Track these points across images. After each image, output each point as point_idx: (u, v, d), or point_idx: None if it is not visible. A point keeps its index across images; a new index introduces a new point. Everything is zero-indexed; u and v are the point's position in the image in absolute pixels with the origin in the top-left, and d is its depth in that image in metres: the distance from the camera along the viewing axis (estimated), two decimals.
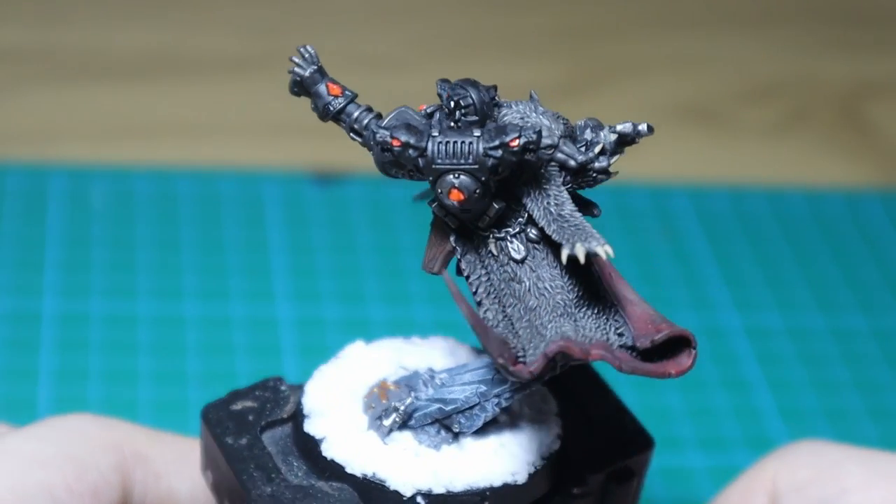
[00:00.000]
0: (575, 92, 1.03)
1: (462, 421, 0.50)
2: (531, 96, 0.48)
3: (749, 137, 1.03)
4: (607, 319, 0.47)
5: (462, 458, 0.49)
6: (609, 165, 0.47)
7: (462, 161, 0.45)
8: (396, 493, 0.49)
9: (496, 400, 0.49)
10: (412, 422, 0.50)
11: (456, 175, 0.45)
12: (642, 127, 0.47)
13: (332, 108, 0.48)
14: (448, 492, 0.49)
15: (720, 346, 0.84)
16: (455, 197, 0.45)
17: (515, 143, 0.44)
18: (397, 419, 0.50)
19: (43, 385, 0.76)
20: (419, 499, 0.49)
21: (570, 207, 0.46)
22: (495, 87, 0.47)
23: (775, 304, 0.88)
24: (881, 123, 1.05)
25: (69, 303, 0.81)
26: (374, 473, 0.49)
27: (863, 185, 0.99)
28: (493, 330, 0.46)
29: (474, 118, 0.46)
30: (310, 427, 0.51)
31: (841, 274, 0.91)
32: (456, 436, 0.50)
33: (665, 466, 0.76)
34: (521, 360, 0.46)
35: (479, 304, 0.48)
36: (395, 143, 0.46)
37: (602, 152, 0.47)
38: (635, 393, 0.81)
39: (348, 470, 0.49)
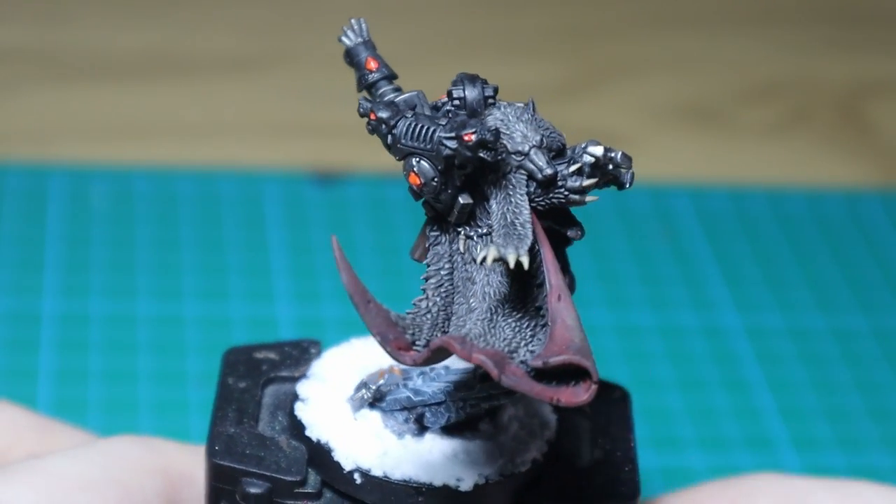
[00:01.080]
0: (575, 92, 1.03)
1: (429, 416, 0.50)
2: (528, 103, 0.47)
3: (749, 137, 1.03)
4: (532, 336, 0.47)
5: (416, 450, 0.50)
6: (582, 186, 0.46)
7: (422, 145, 0.45)
8: (338, 463, 0.49)
9: (461, 403, 0.50)
10: (384, 404, 0.50)
11: (418, 159, 0.46)
12: (614, 154, 0.46)
13: (364, 81, 0.48)
14: (385, 476, 0.49)
15: (720, 346, 0.84)
16: (412, 180, 0.46)
17: (469, 137, 0.44)
18: (366, 396, 0.50)
19: (43, 385, 0.76)
20: (356, 475, 0.49)
21: (524, 217, 0.46)
22: (496, 88, 0.47)
23: (775, 304, 0.88)
24: (881, 123, 1.05)
25: (69, 303, 0.81)
26: (326, 441, 0.50)
27: (863, 185, 0.99)
28: (378, 307, 0.46)
29: (462, 112, 0.46)
30: (301, 388, 0.52)
31: (841, 274, 0.91)
32: (423, 429, 0.50)
33: (665, 466, 0.76)
34: (416, 347, 0.46)
35: (424, 292, 0.48)
36: (372, 116, 0.46)
37: (578, 172, 0.46)
38: (637, 393, 0.81)
39: (306, 432, 0.50)
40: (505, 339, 0.46)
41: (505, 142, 0.46)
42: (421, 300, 0.48)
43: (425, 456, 0.50)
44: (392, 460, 0.49)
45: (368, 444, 0.50)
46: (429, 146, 0.45)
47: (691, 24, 1.12)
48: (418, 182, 0.46)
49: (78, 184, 0.90)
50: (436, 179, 0.46)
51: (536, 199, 0.46)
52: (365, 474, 0.49)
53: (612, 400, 0.55)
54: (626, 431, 0.53)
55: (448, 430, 0.50)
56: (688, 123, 1.03)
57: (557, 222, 0.48)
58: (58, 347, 0.78)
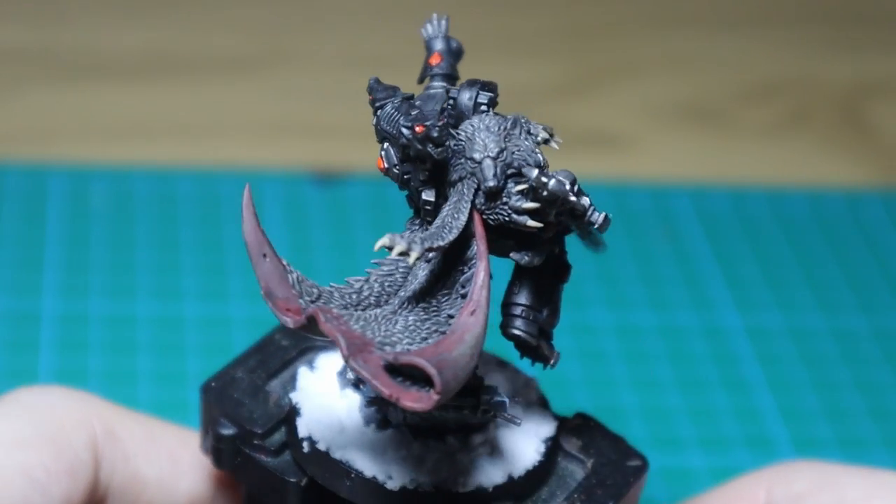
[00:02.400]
0: (575, 92, 1.03)
1: (391, 411, 0.50)
2: (513, 116, 0.47)
3: (749, 137, 1.03)
4: (424, 339, 0.46)
5: (371, 439, 0.50)
6: (522, 208, 0.45)
7: (392, 131, 0.46)
8: (296, 429, 0.50)
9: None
10: (364, 388, 0.51)
11: (388, 145, 0.47)
12: (547, 180, 0.45)
13: (423, 74, 0.49)
14: (326, 451, 0.50)
15: (720, 346, 0.84)
16: (377, 163, 0.47)
17: (419, 129, 0.45)
18: (349, 376, 0.51)
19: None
20: (304, 444, 0.50)
21: (458, 223, 0.46)
22: (491, 98, 0.47)
23: (776, 305, 0.88)
24: (881, 123, 1.05)
25: (69, 303, 0.81)
26: (298, 405, 0.51)
27: (863, 185, 0.99)
28: (275, 263, 0.46)
29: (452, 113, 0.47)
30: (320, 356, 0.53)
31: (841, 274, 0.91)
32: (387, 423, 0.50)
33: (665, 466, 0.76)
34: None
35: (367, 273, 0.49)
36: (370, 97, 0.47)
37: (524, 192, 0.46)
38: (636, 393, 0.81)
39: (290, 393, 0.52)
40: (387, 331, 0.46)
41: (465, 147, 0.46)
42: (357, 280, 0.48)
43: (375, 447, 0.50)
44: (343, 440, 0.50)
45: (331, 420, 0.50)
46: (395, 131, 0.46)
47: (691, 24, 1.12)
48: (381, 166, 0.47)
49: (78, 184, 0.90)
50: (396, 167, 0.47)
51: (486, 211, 0.46)
52: (312, 444, 0.50)
53: (624, 465, 0.53)
54: (613, 499, 0.51)
55: (415, 433, 0.50)
56: (688, 123, 1.03)
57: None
58: (58, 347, 0.78)
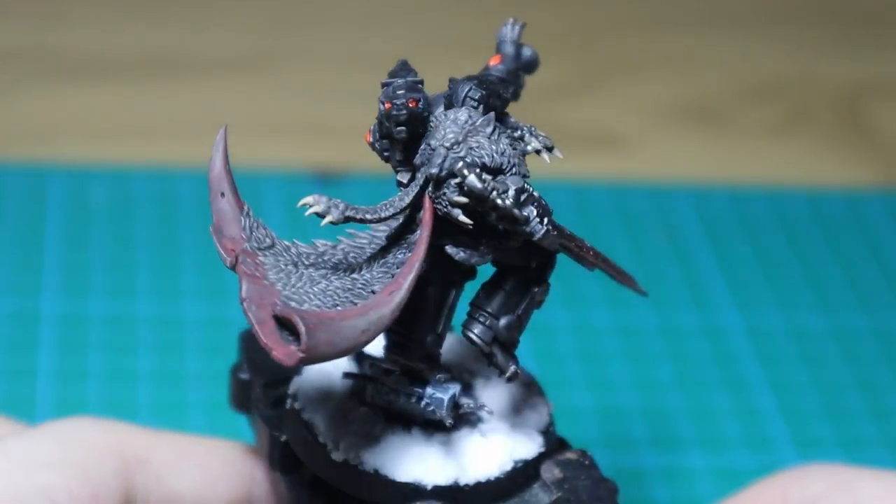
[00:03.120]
0: (575, 92, 1.03)
1: (368, 387, 0.51)
2: (486, 116, 0.47)
3: (749, 137, 1.03)
4: (334, 304, 0.46)
5: (341, 408, 0.51)
6: (451, 200, 0.45)
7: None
8: (290, 383, 0.52)
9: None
10: (361, 362, 0.52)
11: (378, 120, 0.47)
12: (470, 179, 0.45)
13: (480, 72, 0.50)
14: (299, 411, 0.51)
15: (720, 346, 0.84)
16: (366, 136, 0.48)
17: (387, 106, 0.46)
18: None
19: (42, 385, 0.76)
20: (288, 400, 0.51)
21: (400, 204, 0.47)
22: (483, 95, 0.47)
23: (776, 305, 0.88)
24: (881, 123, 1.05)
25: (69, 303, 0.81)
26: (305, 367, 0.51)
27: (863, 185, 0.99)
28: (233, 203, 0.48)
29: (428, 98, 0.47)
30: None
31: (842, 274, 0.91)
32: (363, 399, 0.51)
33: (665, 466, 0.76)
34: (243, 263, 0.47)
35: (338, 241, 0.51)
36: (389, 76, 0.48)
37: (460, 186, 0.46)
38: (636, 393, 0.81)
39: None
40: (302, 289, 0.46)
41: (430, 133, 0.47)
42: (324, 244, 0.49)
43: (343, 418, 0.50)
44: (318, 405, 0.50)
45: (321, 384, 0.51)
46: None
47: (691, 24, 1.12)
48: (367, 139, 0.48)
49: (78, 184, 0.90)
50: (377, 144, 0.48)
51: (434, 200, 0.47)
52: (293, 402, 0.51)
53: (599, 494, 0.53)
54: None
55: (387, 416, 0.50)
56: (688, 123, 1.03)
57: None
58: (58, 347, 0.78)
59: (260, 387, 0.53)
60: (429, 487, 0.49)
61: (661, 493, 0.75)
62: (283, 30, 1.06)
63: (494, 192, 0.45)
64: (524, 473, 0.51)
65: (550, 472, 0.51)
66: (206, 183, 0.48)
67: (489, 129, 0.47)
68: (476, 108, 0.47)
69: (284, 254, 0.49)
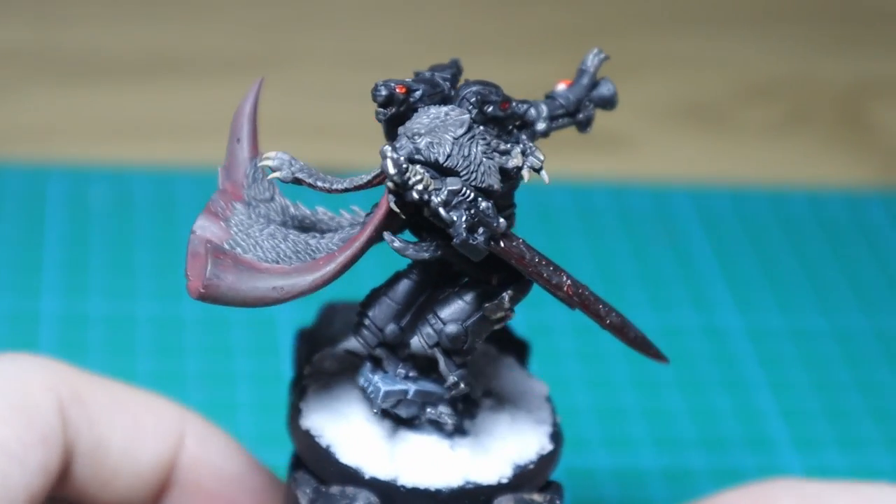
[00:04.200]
0: None
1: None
2: (464, 117, 0.47)
3: (749, 137, 1.03)
4: (277, 258, 0.47)
5: (344, 397, 0.51)
6: (387, 184, 0.46)
7: None
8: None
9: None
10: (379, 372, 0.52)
11: None
12: (386, 158, 0.45)
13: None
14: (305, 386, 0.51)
15: (720, 346, 0.84)
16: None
17: (376, 90, 0.46)
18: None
19: None
20: (308, 368, 0.52)
21: (359, 180, 0.47)
22: (484, 96, 0.47)
23: (776, 305, 0.88)
24: (881, 123, 1.05)
25: (68, 303, 0.81)
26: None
27: (863, 185, 0.99)
28: (245, 151, 0.50)
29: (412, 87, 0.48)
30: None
31: (842, 274, 0.91)
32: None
33: (665, 466, 0.76)
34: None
35: (339, 212, 0.51)
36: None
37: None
38: (636, 393, 0.81)
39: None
40: (251, 237, 0.48)
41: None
42: (325, 212, 0.50)
43: (331, 391, 0.51)
44: (326, 374, 0.51)
45: (341, 358, 0.52)
46: None
47: (691, 24, 1.12)
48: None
49: (77, 184, 0.90)
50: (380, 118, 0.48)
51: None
52: (309, 367, 0.52)
53: None
54: None
55: (394, 418, 0.51)
56: (688, 123, 1.03)
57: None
58: (57, 347, 0.78)
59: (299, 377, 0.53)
60: (366, 477, 0.49)
61: (661, 493, 0.75)
62: (283, 30, 1.06)
63: (423, 186, 0.44)
64: (472, 498, 0.50)
65: (506, 501, 0.50)
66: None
67: (460, 131, 0.46)
68: (470, 110, 0.47)
69: (268, 208, 0.49)
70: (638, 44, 1.09)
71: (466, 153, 0.46)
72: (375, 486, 0.49)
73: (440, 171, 0.45)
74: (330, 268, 0.46)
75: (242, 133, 0.48)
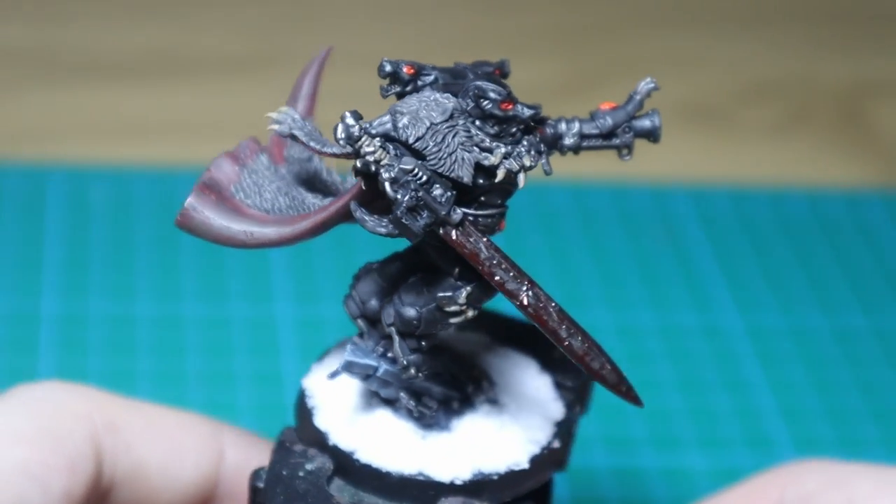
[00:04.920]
0: (575, 92, 1.03)
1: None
2: (454, 115, 0.47)
3: (749, 137, 1.03)
4: (272, 207, 0.49)
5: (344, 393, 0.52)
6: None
7: None
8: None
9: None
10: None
11: None
12: (342, 124, 0.47)
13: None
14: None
15: (720, 346, 0.84)
16: None
17: (381, 65, 0.48)
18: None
19: None
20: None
21: (347, 150, 0.48)
22: (482, 91, 0.48)
23: (776, 305, 0.88)
24: (881, 123, 1.05)
25: (68, 303, 0.81)
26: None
27: (863, 185, 0.99)
28: (307, 114, 0.51)
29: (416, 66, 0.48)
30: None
31: (842, 274, 0.91)
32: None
33: (665, 466, 0.76)
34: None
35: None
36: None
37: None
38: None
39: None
40: (260, 187, 0.49)
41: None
42: (341, 179, 0.51)
43: (343, 399, 0.51)
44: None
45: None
46: None
47: (691, 24, 1.12)
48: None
49: (78, 184, 0.90)
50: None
51: None
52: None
53: None
54: None
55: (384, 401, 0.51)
56: (688, 123, 1.03)
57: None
58: (58, 347, 0.78)
59: None
60: (329, 443, 0.50)
61: (661, 493, 0.75)
62: (283, 30, 1.06)
63: (373, 158, 0.46)
64: (420, 489, 0.50)
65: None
66: (206, 238, 0.49)
67: (440, 117, 0.46)
68: (468, 103, 0.47)
69: (301, 168, 0.50)
70: (638, 44, 1.09)
71: (440, 139, 0.46)
72: (335, 453, 0.50)
73: (411, 151, 0.46)
74: (301, 225, 0.47)
75: (300, 93, 0.50)
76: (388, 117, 0.46)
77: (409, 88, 0.47)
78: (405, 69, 0.47)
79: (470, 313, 0.49)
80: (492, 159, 0.46)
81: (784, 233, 0.93)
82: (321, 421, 0.51)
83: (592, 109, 0.50)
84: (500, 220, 0.48)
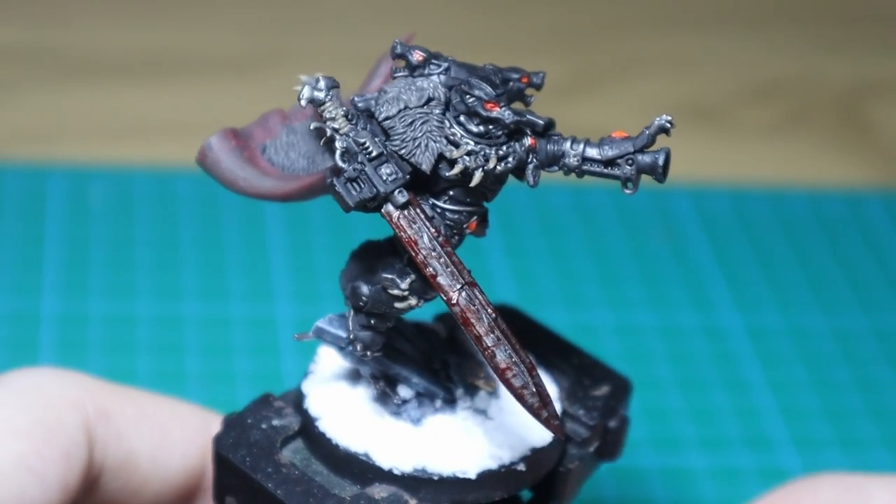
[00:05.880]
0: (575, 92, 1.03)
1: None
2: (423, 98, 0.48)
3: (750, 137, 1.03)
4: (297, 160, 0.50)
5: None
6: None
7: None
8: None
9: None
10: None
11: None
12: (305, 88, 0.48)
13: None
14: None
15: (720, 346, 0.84)
16: None
17: (392, 45, 0.49)
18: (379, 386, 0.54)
19: None
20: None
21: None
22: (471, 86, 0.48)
23: (776, 305, 0.88)
24: (881, 123, 1.05)
25: (68, 303, 0.81)
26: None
27: (863, 185, 0.99)
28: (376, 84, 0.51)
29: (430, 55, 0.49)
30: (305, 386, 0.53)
31: (841, 274, 0.91)
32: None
33: (665, 466, 0.76)
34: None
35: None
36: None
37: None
38: (637, 393, 0.81)
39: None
40: (288, 146, 0.51)
41: None
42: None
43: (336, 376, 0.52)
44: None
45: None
46: None
47: (691, 24, 1.12)
48: None
49: (78, 184, 0.90)
50: None
51: None
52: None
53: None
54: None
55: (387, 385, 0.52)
56: (688, 123, 1.03)
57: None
58: (58, 347, 0.78)
59: None
60: (303, 405, 0.52)
61: (661, 493, 0.75)
62: (283, 30, 1.07)
63: (336, 126, 0.47)
64: (361, 468, 0.51)
65: (377, 490, 0.50)
66: (211, 180, 0.50)
67: (414, 102, 0.47)
68: (453, 95, 0.48)
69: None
70: (638, 44, 1.09)
71: (408, 123, 0.47)
72: (305, 416, 0.52)
73: (382, 130, 0.47)
74: (291, 184, 0.49)
75: (377, 71, 0.51)
76: (369, 95, 0.48)
77: (415, 73, 0.48)
78: (415, 54, 0.48)
79: (413, 301, 0.49)
80: (454, 153, 0.47)
81: (784, 233, 0.94)
82: (307, 385, 0.52)
83: (604, 136, 0.49)
84: (471, 220, 0.48)
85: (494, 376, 0.52)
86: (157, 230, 0.87)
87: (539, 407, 0.47)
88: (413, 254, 0.47)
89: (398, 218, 0.47)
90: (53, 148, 0.93)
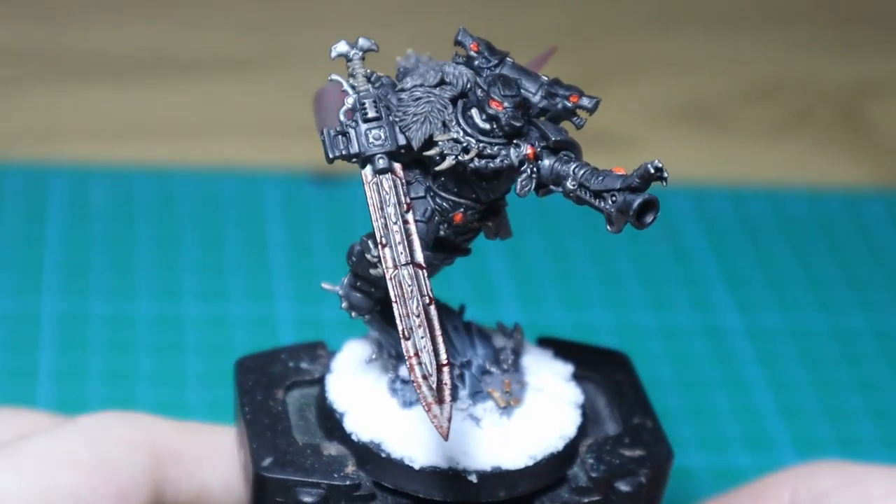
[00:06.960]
0: None
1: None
2: (437, 80, 0.49)
3: (749, 137, 1.03)
4: (386, 108, 0.51)
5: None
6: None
7: None
8: (389, 457, 0.51)
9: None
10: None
11: None
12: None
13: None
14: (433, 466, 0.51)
15: (720, 346, 0.84)
16: None
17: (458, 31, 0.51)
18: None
19: (42, 385, 0.76)
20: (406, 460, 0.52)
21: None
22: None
23: (776, 305, 0.88)
24: (881, 123, 1.05)
25: (69, 303, 0.81)
26: (374, 440, 0.53)
27: (863, 185, 0.99)
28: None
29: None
30: (330, 386, 0.54)
31: (841, 274, 0.91)
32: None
33: None
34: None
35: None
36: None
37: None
38: None
39: (351, 436, 0.53)
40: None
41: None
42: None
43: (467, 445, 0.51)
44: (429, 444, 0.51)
45: (415, 435, 0.51)
46: None
47: (691, 24, 1.12)
48: None
49: (78, 184, 0.90)
50: None
51: None
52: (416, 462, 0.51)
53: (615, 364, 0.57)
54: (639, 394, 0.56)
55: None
56: (688, 123, 1.03)
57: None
58: (58, 347, 0.78)
59: (354, 486, 0.53)
60: (316, 376, 0.54)
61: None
62: (283, 30, 1.07)
63: (354, 82, 0.51)
64: (342, 433, 0.52)
65: (331, 448, 0.52)
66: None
67: (431, 81, 0.49)
68: (472, 85, 0.49)
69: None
70: (638, 44, 1.09)
71: (416, 98, 0.49)
72: (321, 387, 0.53)
73: (396, 97, 0.49)
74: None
75: (531, 62, 0.53)
76: (402, 69, 0.50)
77: (472, 62, 0.49)
78: (471, 44, 0.50)
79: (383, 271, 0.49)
80: (441, 136, 0.48)
81: (784, 233, 0.94)
82: (337, 361, 0.54)
83: (607, 169, 0.49)
84: (457, 212, 0.49)
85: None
86: (157, 230, 0.87)
87: (431, 402, 0.47)
88: (372, 218, 0.49)
89: (371, 182, 0.49)
90: (53, 148, 0.93)
